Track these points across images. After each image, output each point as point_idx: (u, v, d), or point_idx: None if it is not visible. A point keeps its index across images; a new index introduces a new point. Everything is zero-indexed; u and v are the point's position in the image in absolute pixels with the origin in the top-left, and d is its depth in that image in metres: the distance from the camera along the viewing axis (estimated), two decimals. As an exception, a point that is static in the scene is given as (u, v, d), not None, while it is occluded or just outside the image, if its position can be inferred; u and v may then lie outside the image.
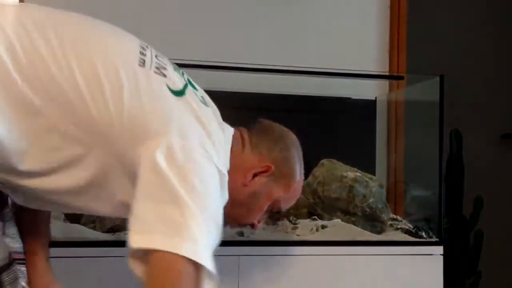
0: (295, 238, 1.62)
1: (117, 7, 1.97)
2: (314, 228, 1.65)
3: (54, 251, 1.43)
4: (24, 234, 1.09)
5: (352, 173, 1.74)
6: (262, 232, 1.66)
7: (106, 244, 1.48)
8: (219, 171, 0.97)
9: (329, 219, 1.71)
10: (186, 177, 0.87)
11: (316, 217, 1.72)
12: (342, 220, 1.69)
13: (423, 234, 1.73)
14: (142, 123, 0.90)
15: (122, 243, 1.43)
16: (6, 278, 0.93)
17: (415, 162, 2.11)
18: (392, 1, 2.24)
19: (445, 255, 1.66)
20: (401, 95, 2.22)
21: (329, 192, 1.72)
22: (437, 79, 1.73)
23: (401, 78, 2.19)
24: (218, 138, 1.01)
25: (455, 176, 2.41)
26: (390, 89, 2.21)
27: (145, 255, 0.84)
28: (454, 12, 2.89)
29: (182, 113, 0.95)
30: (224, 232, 1.57)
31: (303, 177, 1.20)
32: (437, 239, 1.71)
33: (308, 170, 1.84)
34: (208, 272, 0.86)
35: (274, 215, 1.28)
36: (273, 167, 1.11)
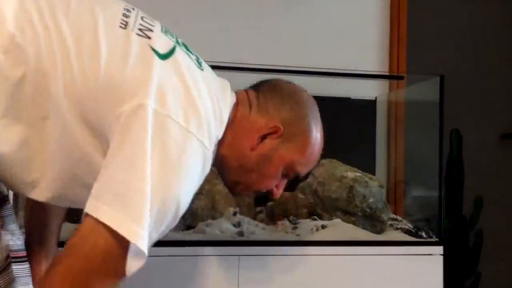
0: (295, 238, 1.62)
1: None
2: (314, 228, 1.65)
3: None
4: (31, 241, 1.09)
5: (352, 173, 1.74)
6: (262, 232, 1.66)
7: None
8: (200, 144, 0.89)
9: (329, 219, 1.71)
10: (157, 151, 0.82)
11: (316, 217, 1.72)
12: (342, 220, 1.69)
13: (423, 234, 1.73)
14: (118, 86, 0.85)
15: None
16: (1, 282, 0.90)
17: (415, 162, 2.11)
18: (392, 1, 2.24)
19: (445, 255, 1.66)
20: (401, 95, 2.22)
21: (329, 192, 1.72)
22: (437, 79, 1.73)
23: (401, 78, 2.19)
24: (207, 103, 0.92)
25: (455, 176, 2.41)
26: (390, 89, 2.21)
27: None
28: (454, 12, 2.89)
29: (164, 75, 0.89)
30: (224, 232, 1.58)
31: (320, 138, 1.08)
32: (437, 239, 1.71)
33: (308, 170, 1.85)
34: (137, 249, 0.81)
35: (293, 183, 1.18)
36: (282, 127, 1.02)
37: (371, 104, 2.16)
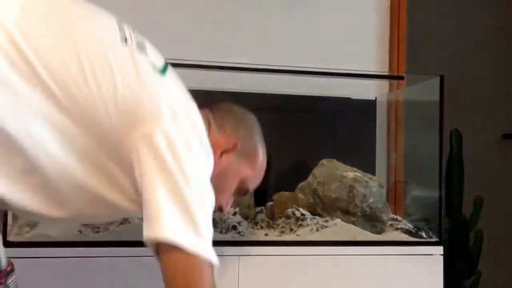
0: (295, 238, 1.62)
1: (116, 4, 1.97)
2: (314, 228, 1.65)
3: (53, 251, 1.43)
4: None
5: (352, 173, 1.74)
6: (262, 232, 1.66)
7: (102, 244, 1.47)
8: (208, 151, 0.98)
9: (329, 219, 1.70)
10: (185, 168, 0.87)
11: (316, 217, 1.72)
12: (342, 220, 1.69)
13: (423, 234, 1.72)
14: (135, 108, 0.87)
15: (119, 243, 1.42)
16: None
17: (415, 162, 2.11)
18: (392, 1, 2.24)
19: (445, 255, 1.66)
20: (401, 95, 2.22)
21: (329, 192, 1.72)
22: (437, 79, 1.73)
23: (401, 78, 2.19)
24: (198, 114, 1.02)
25: (455, 176, 2.41)
26: (390, 89, 2.21)
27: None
28: (454, 12, 2.89)
29: (171, 91, 0.95)
30: (224, 232, 1.58)
31: (265, 156, 1.21)
32: (437, 239, 1.71)
33: (308, 170, 1.85)
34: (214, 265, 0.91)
35: (242, 196, 1.30)
36: (239, 144, 1.12)
37: (371, 104, 2.16)
